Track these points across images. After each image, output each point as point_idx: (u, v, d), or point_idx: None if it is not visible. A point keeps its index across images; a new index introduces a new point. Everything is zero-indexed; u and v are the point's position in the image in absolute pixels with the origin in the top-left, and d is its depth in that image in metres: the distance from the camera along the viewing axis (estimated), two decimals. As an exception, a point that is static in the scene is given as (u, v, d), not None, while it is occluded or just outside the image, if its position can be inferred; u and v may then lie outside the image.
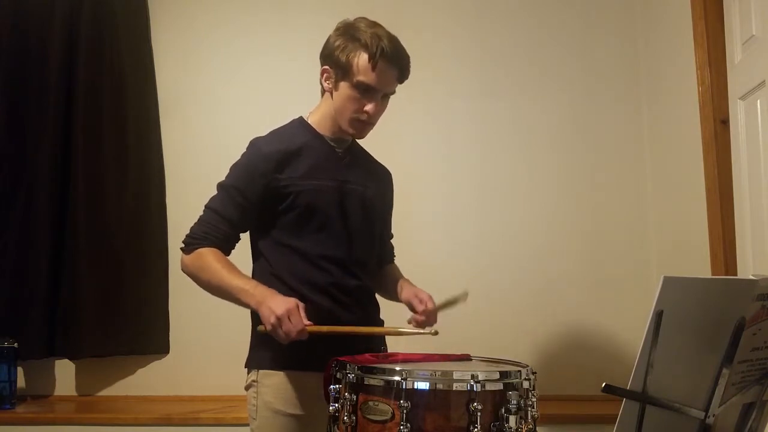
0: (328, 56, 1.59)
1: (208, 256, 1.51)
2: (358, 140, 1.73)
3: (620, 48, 2.73)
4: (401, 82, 1.61)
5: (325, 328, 1.43)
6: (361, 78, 1.53)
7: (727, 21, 2.01)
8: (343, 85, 1.56)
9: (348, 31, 1.56)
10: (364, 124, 1.59)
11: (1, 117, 2.69)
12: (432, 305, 1.61)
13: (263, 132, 1.63)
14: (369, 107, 1.55)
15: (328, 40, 1.61)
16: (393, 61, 1.54)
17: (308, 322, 1.40)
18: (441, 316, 1.63)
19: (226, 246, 1.56)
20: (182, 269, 1.56)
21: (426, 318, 1.60)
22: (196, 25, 2.88)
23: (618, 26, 2.74)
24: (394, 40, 1.55)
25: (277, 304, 1.39)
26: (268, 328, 1.39)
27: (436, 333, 1.50)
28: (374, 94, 1.55)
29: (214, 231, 1.53)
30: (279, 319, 1.37)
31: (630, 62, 2.72)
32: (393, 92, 1.61)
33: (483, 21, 2.79)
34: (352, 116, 1.57)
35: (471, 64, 2.77)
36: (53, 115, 2.68)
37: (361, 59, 1.52)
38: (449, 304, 1.61)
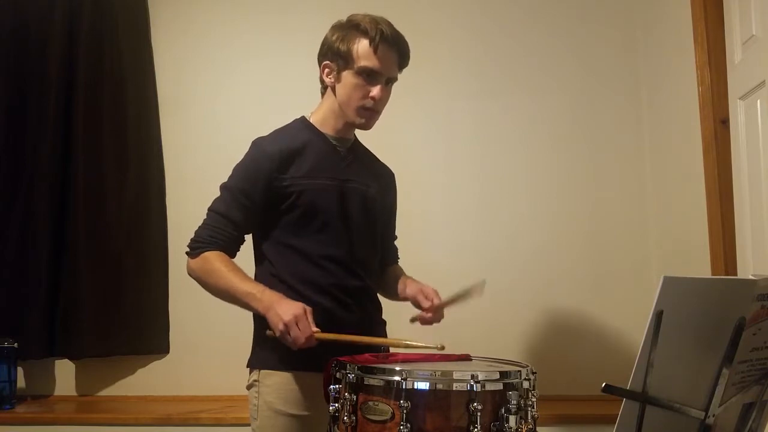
0: (327, 51, 1.60)
1: (214, 259, 1.50)
2: (361, 137, 1.74)
3: (620, 48, 2.73)
4: (402, 67, 1.62)
5: (332, 336, 1.41)
6: (363, 63, 1.54)
7: (727, 21, 2.01)
8: (346, 74, 1.57)
9: (344, 25, 1.59)
10: (372, 112, 1.59)
11: (1, 117, 2.69)
12: (438, 300, 1.59)
13: (263, 132, 1.63)
14: (374, 92, 1.55)
15: (324, 39, 1.62)
16: (393, 44, 1.56)
17: (316, 329, 1.39)
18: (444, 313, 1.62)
19: (232, 248, 1.56)
20: (188, 273, 1.55)
21: (433, 314, 1.59)
22: (196, 25, 2.88)
23: (618, 26, 2.74)
24: (392, 26, 1.57)
25: (285, 310, 1.38)
26: (276, 333, 1.39)
27: (442, 348, 1.41)
28: (378, 79, 1.56)
29: (220, 234, 1.53)
30: (287, 325, 1.37)
31: (630, 62, 2.72)
32: (395, 78, 1.62)
33: (483, 21, 2.79)
34: (359, 104, 1.57)
35: (471, 64, 2.77)
36: (53, 115, 2.68)
37: (362, 45, 1.54)
38: (459, 297, 1.56)
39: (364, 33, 1.54)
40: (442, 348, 1.41)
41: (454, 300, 1.58)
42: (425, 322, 1.60)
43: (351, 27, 1.57)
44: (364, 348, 1.43)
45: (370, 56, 1.54)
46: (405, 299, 1.69)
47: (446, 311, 1.61)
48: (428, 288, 1.64)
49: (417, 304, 1.64)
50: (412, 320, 1.62)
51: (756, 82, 1.82)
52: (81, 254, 2.63)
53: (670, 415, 0.96)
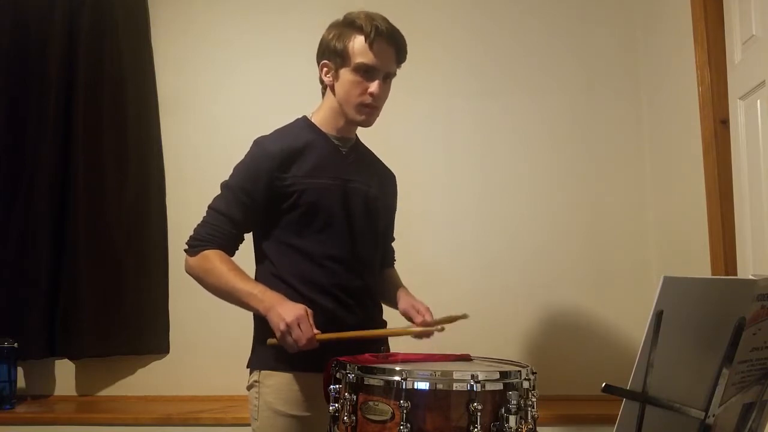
0: (324, 50, 1.61)
1: (214, 258, 1.50)
2: (361, 137, 1.73)
3: (620, 48, 2.73)
4: (399, 62, 1.62)
5: (334, 336, 1.40)
6: (359, 59, 1.54)
7: (727, 21, 2.01)
8: (344, 72, 1.57)
9: (340, 23, 1.59)
10: (371, 108, 1.58)
11: (1, 117, 2.69)
12: (430, 317, 1.60)
13: (263, 132, 1.63)
14: (372, 87, 1.55)
15: (321, 38, 1.62)
16: (389, 39, 1.55)
17: (317, 331, 1.39)
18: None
19: (231, 247, 1.56)
20: (186, 271, 1.55)
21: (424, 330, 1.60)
22: (196, 25, 2.88)
23: (618, 26, 2.74)
24: (387, 21, 1.57)
25: (287, 311, 1.38)
26: (277, 334, 1.38)
27: (442, 329, 1.49)
28: (375, 75, 1.55)
29: (219, 232, 1.53)
30: (288, 326, 1.36)
31: (630, 62, 2.72)
32: (394, 73, 1.61)
33: (483, 21, 2.79)
34: (358, 101, 1.57)
35: (471, 64, 2.77)
36: (53, 115, 2.68)
37: (357, 41, 1.54)
38: (448, 320, 1.59)
39: (360, 29, 1.54)
40: (442, 329, 1.49)
41: (442, 322, 1.59)
42: (416, 336, 1.60)
43: (346, 24, 1.57)
44: (365, 347, 1.43)
45: (366, 52, 1.54)
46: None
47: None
48: (420, 304, 1.65)
49: (408, 319, 1.65)
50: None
51: (756, 82, 1.82)
52: (81, 254, 2.63)
53: (670, 415, 0.96)
